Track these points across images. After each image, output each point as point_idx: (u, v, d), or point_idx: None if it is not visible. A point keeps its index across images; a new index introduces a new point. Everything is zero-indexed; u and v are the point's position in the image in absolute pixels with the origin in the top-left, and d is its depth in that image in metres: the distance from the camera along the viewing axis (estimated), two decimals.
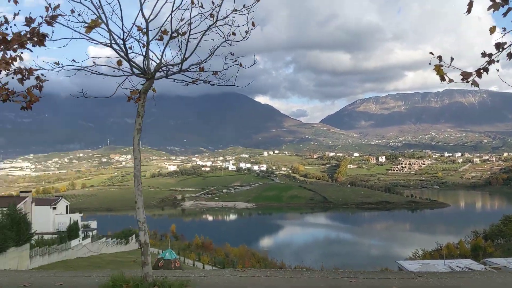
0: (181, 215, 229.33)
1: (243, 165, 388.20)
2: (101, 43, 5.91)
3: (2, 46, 5.92)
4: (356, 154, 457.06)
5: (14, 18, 6.47)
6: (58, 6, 6.08)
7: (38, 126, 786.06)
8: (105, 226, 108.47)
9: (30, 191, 61.64)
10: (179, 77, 6.54)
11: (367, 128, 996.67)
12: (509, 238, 74.79)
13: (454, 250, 68.55)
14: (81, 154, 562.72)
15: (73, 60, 5.94)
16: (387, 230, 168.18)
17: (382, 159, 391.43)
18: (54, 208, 64.42)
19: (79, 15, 5.91)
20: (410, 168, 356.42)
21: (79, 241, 62.11)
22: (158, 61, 6.20)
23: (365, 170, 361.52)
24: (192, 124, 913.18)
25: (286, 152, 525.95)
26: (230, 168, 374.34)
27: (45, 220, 61.33)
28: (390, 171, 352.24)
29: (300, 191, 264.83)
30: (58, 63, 6.11)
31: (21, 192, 56.25)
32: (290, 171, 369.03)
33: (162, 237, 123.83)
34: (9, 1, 6.19)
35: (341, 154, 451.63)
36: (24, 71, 6.20)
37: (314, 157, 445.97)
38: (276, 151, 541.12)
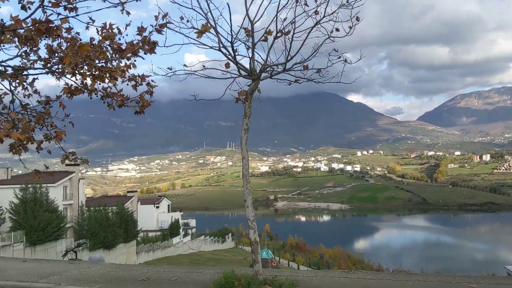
0: (274, 215, 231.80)
1: (335, 165, 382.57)
2: (210, 47, 6.10)
3: (117, 55, 6.39)
4: (457, 153, 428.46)
5: (126, 28, 6.96)
6: (166, 14, 6.41)
7: (141, 131, 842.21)
8: (203, 224, 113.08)
9: (136, 191, 66.26)
10: (282, 77, 6.55)
11: (469, 125, 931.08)
12: None
13: None
14: (180, 156, 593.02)
15: (184, 65, 6.19)
16: (492, 233, 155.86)
17: (487, 157, 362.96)
18: (157, 207, 68.47)
19: (187, 21, 6.15)
20: None
21: (180, 238, 65.51)
22: (263, 62, 6.25)
23: (467, 170, 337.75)
24: (282, 125, 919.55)
25: (381, 152, 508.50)
26: (322, 169, 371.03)
27: (149, 218, 65.45)
28: (495, 170, 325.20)
29: (397, 192, 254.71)
30: (171, 68, 6.41)
31: (128, 192, 60.70)
32: (386, 172, 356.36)
33: None
34: (122, 13, 6.65)
35: (440, 153, 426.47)
36: (137, 77, 6.62)
37: (412, 156, 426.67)
38: (370, 151, 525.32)
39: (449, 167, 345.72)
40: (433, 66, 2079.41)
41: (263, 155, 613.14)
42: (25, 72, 6.86)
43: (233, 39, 5.91)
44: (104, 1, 6.69)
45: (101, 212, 45.67)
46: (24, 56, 6.59)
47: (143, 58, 6.50)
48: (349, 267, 75.70)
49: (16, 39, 5.99)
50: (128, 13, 6.73)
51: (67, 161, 8.34)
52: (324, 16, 5.81)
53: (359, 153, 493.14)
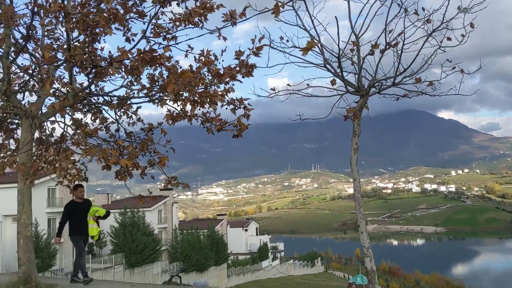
0: None
1: (428, 186, 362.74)
2: (316, 65, 5.89)
3: (216, 80, 6.42)
4: None
5: (222, 54, 7.02)
6: (263, 37, 6.33)
7: (228, 155, 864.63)
8: (291, 248, 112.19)
9: (225, 214, 67.55)
10: (390, 91, 6.13)
11: None
12: None
13: None
14: (265, 179, 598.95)
15: (288, 84, 6.04)
16: None
17: None
18: (246, 230, 69.14)
19: (287, 40, 6.02)
20: None
21: (269, 262, 65.36)
22: (369, 77, 5.91)
23: None
24: (369, 145, 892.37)
25: (478, 171, 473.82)
26: (413, 190, 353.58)
27: (238, 241, 66.19)
28: None
29: (497, 214, 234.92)
30: (274, 89, 6.29)
31: (218, 215, 62.08)
32: (484, 191, 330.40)
33: (347, 261, 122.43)
34: (219, 39, 6.70)
35: None
36: (235, 101, 6.61)
37: None
38: (466, 170, 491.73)
39: None
40: None
41: (350, 176, 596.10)
42: (129, 102, 7.16)
43: (340, 54, 5.63)
44: (201, 29, 6.83)
45: (193, 235, 46.99)
46: (128, 86, 6.89)
47: (241, 82, 6.47)
48: None
49: (122, 69, 6.27)
50: (225, 38, 6.77)
51: (164, 185, 8.56)
52: (442, 23, 5.35)
53: (453, 173, 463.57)
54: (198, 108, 6.59)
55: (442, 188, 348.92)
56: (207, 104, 6.37)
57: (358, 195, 6.03)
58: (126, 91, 7.37)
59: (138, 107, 7.71)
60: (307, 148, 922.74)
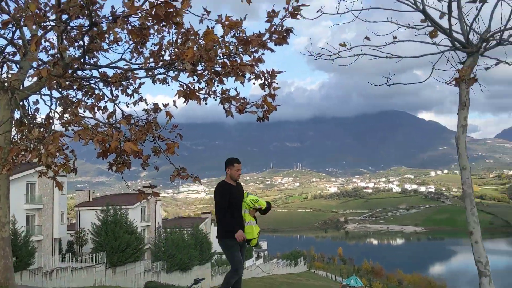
0: (345, 238, 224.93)
1: (408, 186, 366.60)
2: (409, 5, 4.49)
3: (241, 48, 5.20)
4: None
5: (245, 18, 5.74)
6: None
7: (210, 153, 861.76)
8: (273, 246, 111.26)
9: (210, 212, 66.09)
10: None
11: None
12: None
13: None
14: (247, 177, 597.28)
15: (366, 37, 4.65)
16: None
17: None
18: None
19: None
20: None
21: (252, 261, 64.25)
22: (485, 28, 4.45)
23: None
24: (350, 145, 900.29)
25: (457, 172, 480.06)
26: (394, 190, 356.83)
27: None
28: None
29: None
30: (344, 44, 4.94)
31: (202, 213, 60.62)
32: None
33: (329, 260, 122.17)
34: (242, 1, 5.49)
35: None
36: (266, 74, 5.38)
37: (491, 176, 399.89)
38: (445, 171, 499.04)
39: None
40: (511, 80, 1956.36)
41: (331, 175, 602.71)
42: (130, 75, 5.90)
43: None
44: None
45: (177, 234, 45.67)
46: (132, 52, 5.67)
47: (272, 51, 5.20)
48: None
49: (125, 32, 5.02)
50: (249, 1, 5.59)
51: (172, 177, 7.31)
52: None
53: (433, 173, 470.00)
54: (216, 84, 5.36)
55: (422, 189, 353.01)
56: (232, 76, 5.13)
57: (470, 190, 4.61)
58: (125, 64, 6.12)
59: (141, 83, 6.46)
60: (289, 146, 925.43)
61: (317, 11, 4.54)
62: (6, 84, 5.27)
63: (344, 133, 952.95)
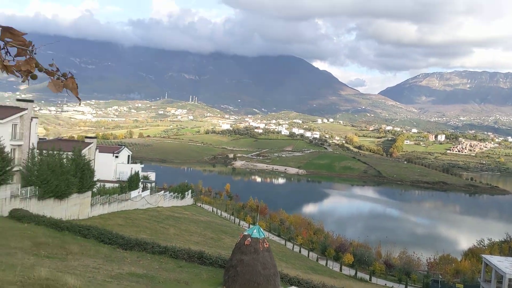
0: (231, 174, 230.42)
1: (296, 130, 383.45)
2: None
3: None
4: (414, 130, 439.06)
5: None
6: None
7: (100, 73, 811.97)
8: (161, 178, 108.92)
9: (95, 137, 60.91)
10: None
11: (427, 104, 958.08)
12: None
13: None
14: (139, 104, 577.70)
15: None
16: (437, 210, 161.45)
17: (442, 137, 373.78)
18: (117, 157, 63.71)
19: None
20: (470, 150, 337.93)
21: (138, 192, 61.37)
22: None
23: (422, 148, 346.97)
24: (247, 84, 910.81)
25: (341, 122, 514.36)
26: (282, 132, 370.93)
27: (107, 168, 60.64)
28: (448, 151, 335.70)
29: (353, 163, 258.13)
30: None
31: (87, 137, 55.32)
32: (344, 141, 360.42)
33: (216, 195, 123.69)
34: None
35: (398, 129, 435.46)
36: None
37: (370, 129, 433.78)
38: (331, 120, 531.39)
39: (405, 143, 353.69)
40: (400, 43, 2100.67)
41: (225, 112, 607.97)
42: None
43: None
44: None
45: (55, 157, 40.74)
46: None
47: None
48: (310, 237, 74.56)
49: None
50: None
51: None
52: None
53: (319, 121, 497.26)
54: None
55: (308, 134, 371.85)
56: None
57: None
58: None
59: None
60: (187, 78, 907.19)
61: None
62: None
63: (242, 72, 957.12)
